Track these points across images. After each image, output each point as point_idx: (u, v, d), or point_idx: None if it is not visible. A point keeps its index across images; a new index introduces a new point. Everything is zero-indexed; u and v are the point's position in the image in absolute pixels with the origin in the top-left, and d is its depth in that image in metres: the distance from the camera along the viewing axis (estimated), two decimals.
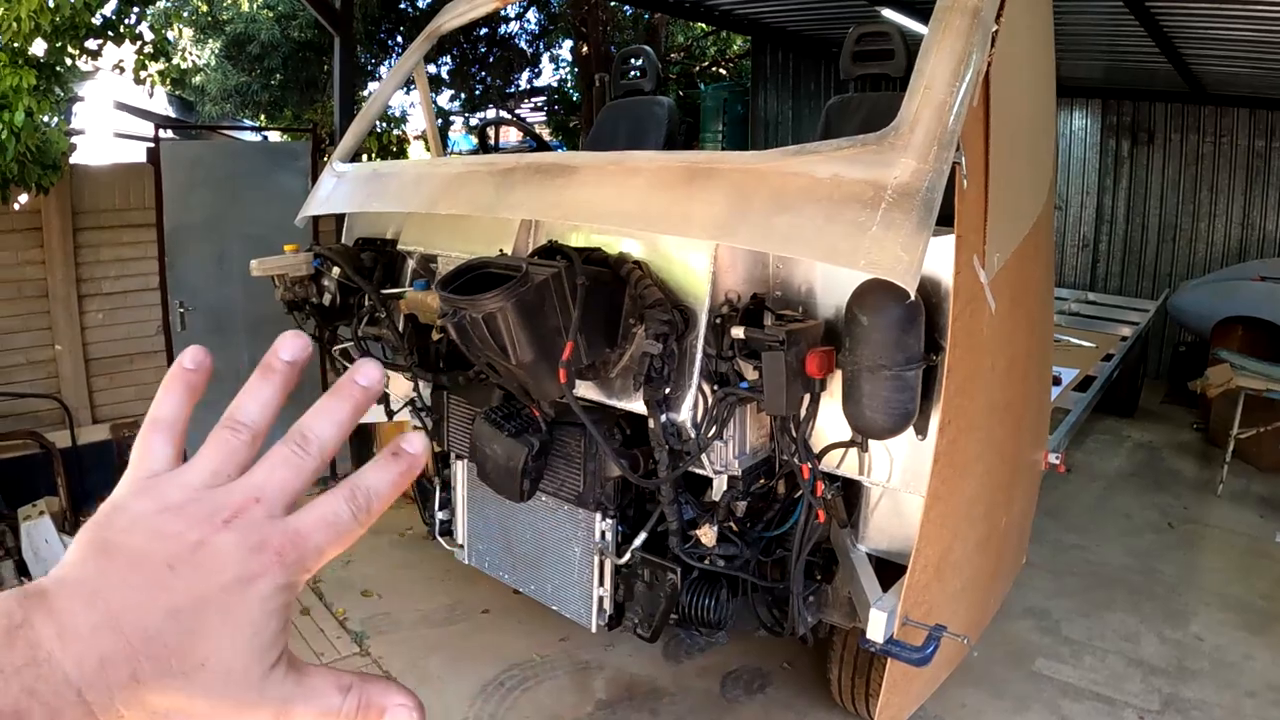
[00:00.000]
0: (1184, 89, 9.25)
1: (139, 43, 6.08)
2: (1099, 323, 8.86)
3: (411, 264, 3.70)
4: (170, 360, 4.77)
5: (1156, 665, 4.51)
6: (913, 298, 2.07)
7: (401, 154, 8.50)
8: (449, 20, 4.29)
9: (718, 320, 2.67)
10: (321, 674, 0.52)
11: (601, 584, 3.38)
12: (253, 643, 0.48)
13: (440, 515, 4.10)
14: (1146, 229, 10.50)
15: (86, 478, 5.67)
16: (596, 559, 3.35)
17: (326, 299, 3.85)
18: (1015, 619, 4.81)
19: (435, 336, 3.35)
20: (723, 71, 15.62)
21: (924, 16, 7.56)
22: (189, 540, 0.48)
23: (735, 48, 15.42)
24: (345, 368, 3.98)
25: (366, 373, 0.57)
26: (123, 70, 6.25)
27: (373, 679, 0.54)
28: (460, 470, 3.90)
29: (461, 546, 3.98)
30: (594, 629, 3.47)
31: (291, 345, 0.57)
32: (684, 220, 2.35)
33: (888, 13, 7.76)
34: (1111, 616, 4.97)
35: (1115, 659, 4.56)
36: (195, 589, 0.47)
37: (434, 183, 3.24)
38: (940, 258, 2.33)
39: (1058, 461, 4.25)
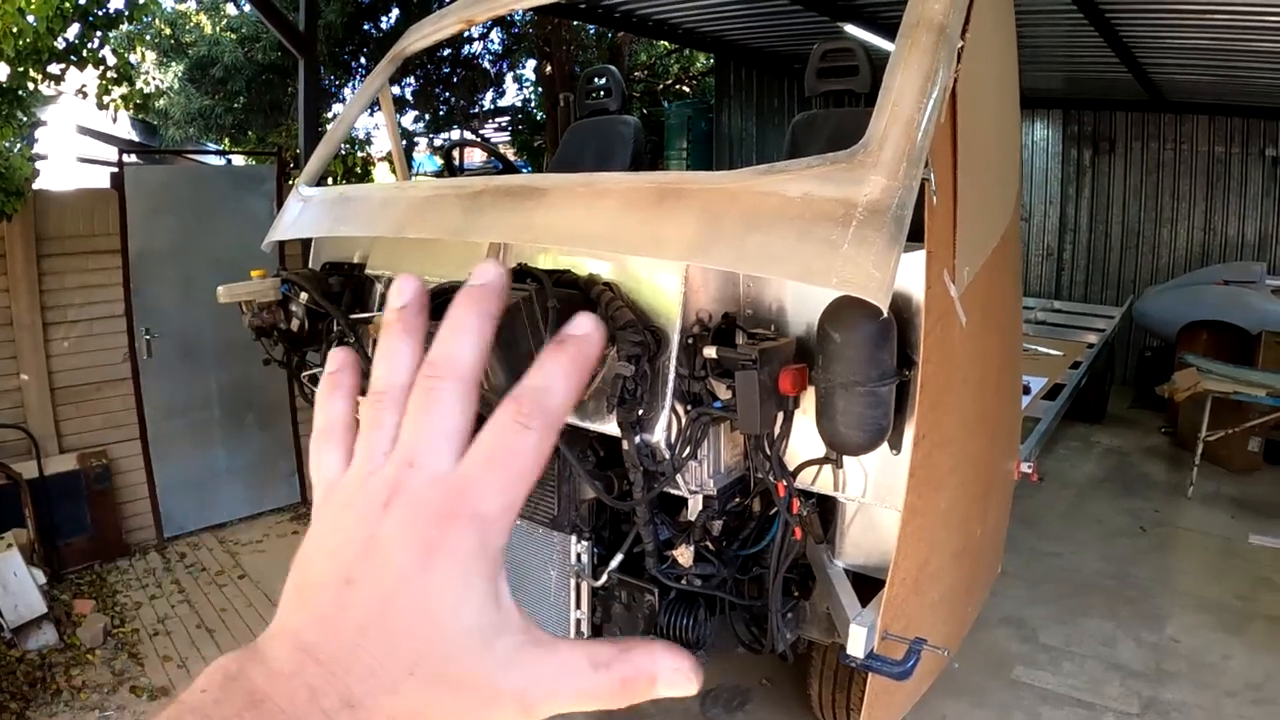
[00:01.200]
0: (1144, 97, 9.39)
1: (102, 67, 6.02)
2: (1065, 330, 8.97)
3: (380, 288, 3.68)
4: (138, 388, 4.71)
5: (1135, 669, 4.54)
6: (885, 315, 2.07)
7: (366, 176, 8.47)
8: (414, 42, 4.27)
9: (690, 340, 2.66)
10: (570, 648, 0.47)
11: (579, 606, 3.35)
12: (458, 627, 0.43)
13: None
14: (1110, 236, 10.64)
15: (54, 508, 5.58)
16: (573, 581, 3.32)
17: (294, 325, 3.81)
18: (993, 628, 4.83)
19: None
20: (686, 89, 15.69)
21: (887, 32, 7.63)
22: (357, 542, 0.45)
23: (698, 65, 15.50)
24: (314, 394, 3.97)
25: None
26: (86, 95, 6.20)
27: (635, 644, 0.48)
28: None
29: None
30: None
31: (402, 289, 0.52)
32: (656, 241, 2.34)
33: (851, 29, 7.81)
34: (1088, 622, 5.00)
35: (1093, 664, 4.59)
36: (375, 593, 0.43)
37: (401, 206, 3.22)
38: (911, 273, 2.34)
39: (1030, 471, 4.27)
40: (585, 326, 0.49)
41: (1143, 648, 4.74)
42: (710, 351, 2.55)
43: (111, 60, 6.11)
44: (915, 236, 2.16)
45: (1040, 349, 7.76)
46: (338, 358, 0.55)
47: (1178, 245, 10.20)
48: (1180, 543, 6.17)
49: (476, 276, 0.50)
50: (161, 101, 12.26)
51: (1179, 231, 10.17)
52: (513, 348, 2.47)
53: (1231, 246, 9.83)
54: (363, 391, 0.54)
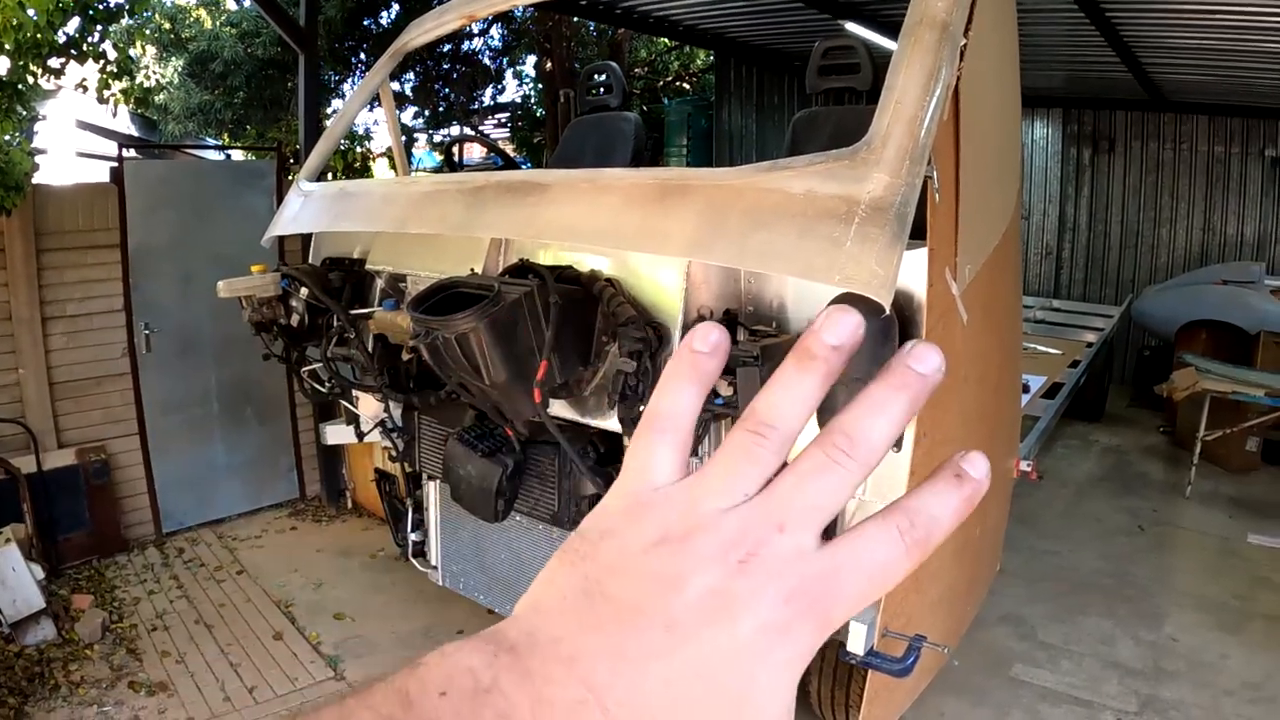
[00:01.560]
0: (1144, 97, 9.39)
1: (102, 61, 6.01)
2: (1064, 329, 8.97)
3: (380, 283, 3.68)
4: (137, 383, 4.71)
5: (1133, 667, 4.54)
6: (888, 312, 2.07)
7: (366, 172, 8.47)
8: (415, 37, 4.27)
9: None
10: None
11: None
12: (764, 716, 0.39)
13: (413, 537, 4.07)
14: (1109, 236, 10.64)
15: (53, 503, 5.57)
16: None
17: (295, 320, 3.81)
18: (991, 626, 4.83)
19: (405, 356, 3.32)
20: (686, 86, 15.66)
21: (888, 30, 7.63)
22: (694, 588, 0.39)
23: (699, 62, 15.47)
24: (315, 389, 3.94)
25: (925, 357, 0.45)
26: (86, 89, 6.18)
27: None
28: (433, 491, 3.87)
29: (435, 568, 3.95)
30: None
31: (839, 327, 0.44)
32: (659, 238, 2.34)
33: (852, 26, 7.81)
34: (1086, 620, 5.00)
35: (1092, 662, 4.59)
36: (698, 654, 0.38)
37: (403, 202, 3.22)
38: (913, 271, 2.34)
39: (1029, 469, 4.27)
40: (980, 470, 0.44)
41: (1141, 646, 4.74)
42: None
43: (112, 55, 6.10)
44: (917, 234, 2.17)
45: (1039, 348, 7.75)
46: (710, 338, 0.47)
47: (1177, 245, 10.20)
48: (1178, 542, 6.17)
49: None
50: (161, 97, 12.22)
51: (1178, 231, 10.17)
52: (513, 342, 2.48)
53: (1231, 246, 9.83)
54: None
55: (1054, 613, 5.08)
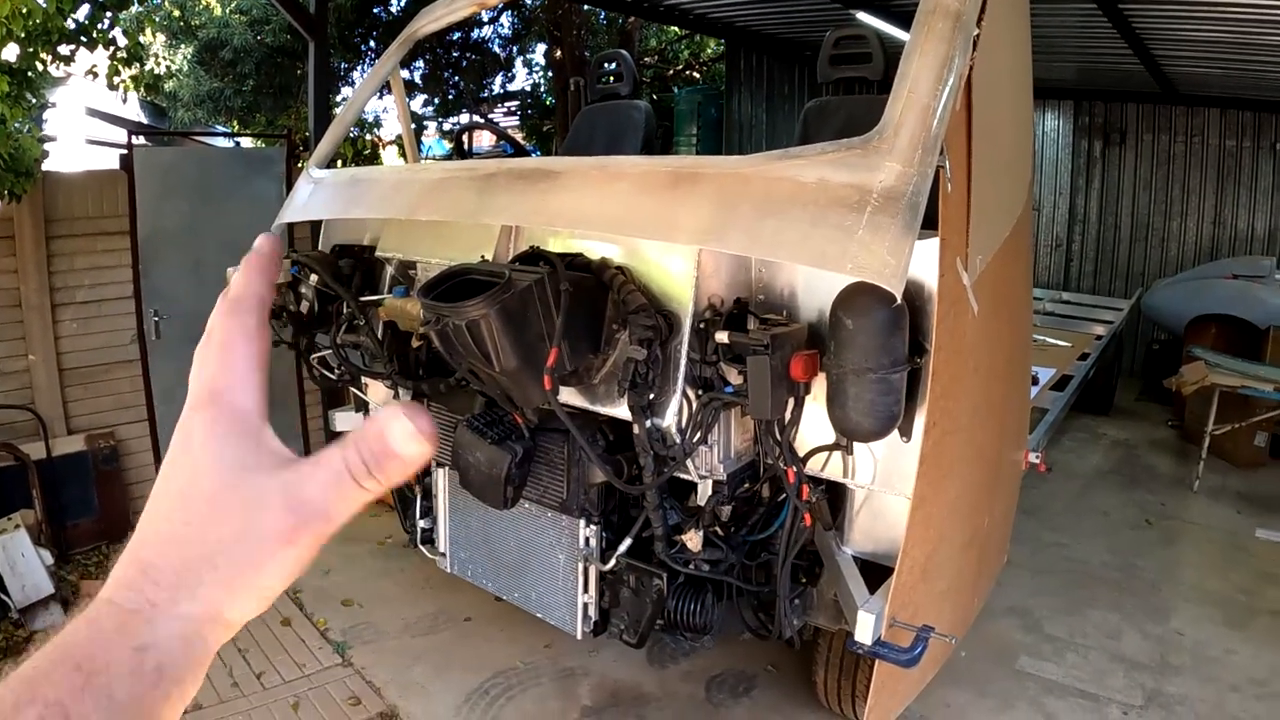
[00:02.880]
0: (1155, 90, 9.35)
1: (112, 48, 6.01)
2: (1074, 322, 8.95)
3: (390, 270, 3.68)
4: (146, 369, 4.73)
5: (1139, 661, 4.54)
6: (899, 301, 2.07)
7: (375, 159, 8.46)
8: (426, 24, 4.26)
9: (701, 325, 2.66)
10: (323, 455, 0.54)
11: (586, 590, 3.36)
12: (220, 469, 0.53)
13: (421, 523, 4.07)
14: (1119, 228, 10.62)
15: (62, 490, 5.59)
16: (581, 565, 3.33)
17: (304, 306, 3.81)
18: (998, 618, 4.83)
19: (415, 344, 3.32)
20: (696, 75, 15.63)
21: (899, 20, 7.60)
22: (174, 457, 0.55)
23: (709, 51, 15.44)
24: (324, 376, 3.94)
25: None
26: (96, 76, 6.18)
27: (370, 421, 0.54)
28: (441, 478, 3.87)
29: (444, 555, 3.95)
30: (579, 636, 3.45)
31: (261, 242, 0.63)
32: (670, 225, 2.34)
33: (863, 16, 7.79)
34: (1093, 613, 5.00)
35: (1098, 655, 4.59)
36: (164, 488, 0.53)
37: (414, 189, 3.22)
38: (924, 261, 2.34)
39: (1038, 461, 4.27)
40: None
41: (1147, 640, 4.74)
42: (722, 336, 2.55)
43: (122, 41, 6.09)
44: (928, 224, 2.16)
45: (1048, 339, 7.74)
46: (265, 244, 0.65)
47: (1187, 238, 10.18)
48: (1185, 536, 6.16)
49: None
50: (170, 84, 12.22)
51: (1189, 225, 10.15)
52: (524, 329, 2.48)
53: (1241, 240, 9.81)
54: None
55: (1060, 605, 5.07)
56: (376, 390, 4.03)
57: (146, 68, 6.45)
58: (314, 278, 3.71)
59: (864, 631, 2.66)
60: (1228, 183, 9.81)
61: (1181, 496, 6.85)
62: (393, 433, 0.52)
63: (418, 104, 13.39)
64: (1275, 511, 6.49)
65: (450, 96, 13.44)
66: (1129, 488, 7.04)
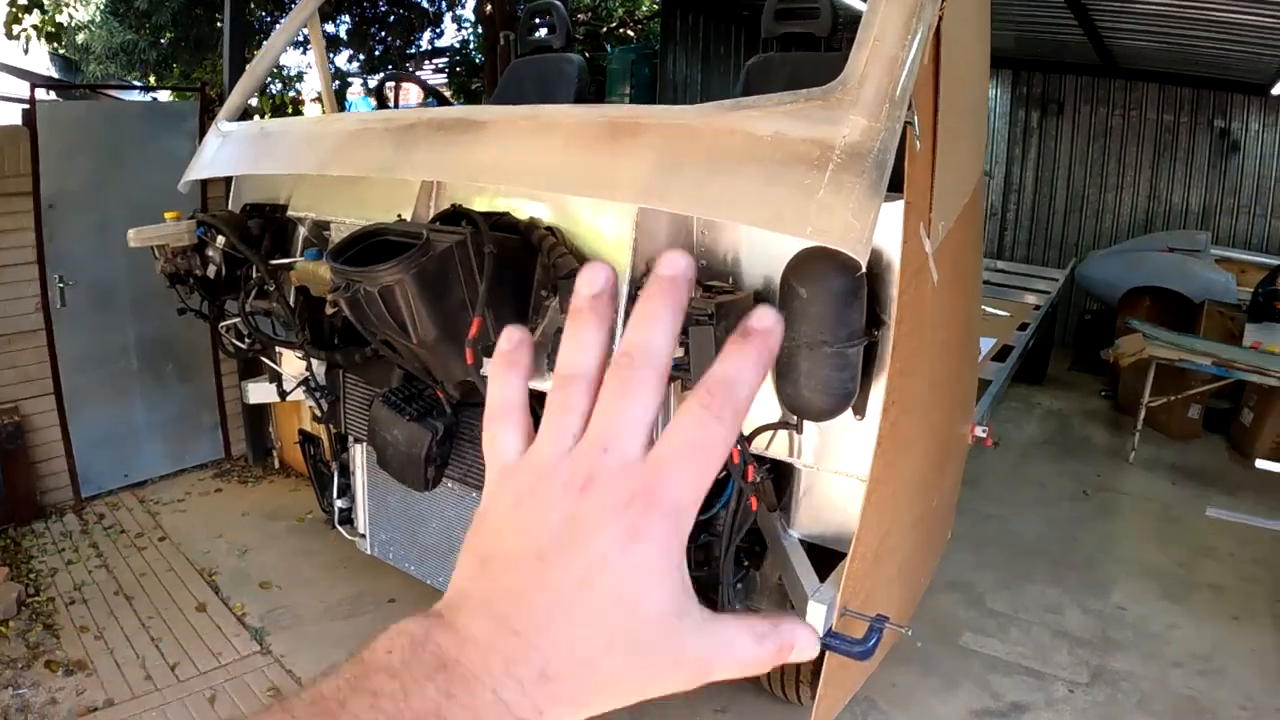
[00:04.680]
0: (1095, 62, 9.34)
1: None
2: (1010, 291, 8.91)
3: (303, 231, 3.41)
4: (51, 340, 4.39)
5: (1082, 637, 4.50)
6: (863, 269, 1.87)
7: (297, 115, 8.10)
8: None
9: (639, 291, 2.45)
10: (734, 625, 0.49)
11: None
12: (654, 608, 0.45)
13: (339, 503, 3.83)
14: (1054, 199, 10.67)
15: None
16: None
17: (211, 270, 3.54)
18: (940, 592, 4.73)
19: (329, 311, 3.07)
20: (630, 34, 15.34)
21: None
22: (552, 522, 0.46)
23: (644, 9, 15.16)
24: (235, 346, 3.67)
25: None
26: None
27: (781, 619, 0.51)
28: (359, 454, 3.63)
29: (363, 536, 3.72)
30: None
31: (594, 275, 0.51)
32: (608, 182, 2.11)
33: None
34: (1034, 588, 4.95)
35: (1040, 631, 4.53)
36: (571, 570, 0.45)
37: (326, 142, 2.95)
38: (886, 225, 2.14)
39: (984, 434, 4.15)
40: (768, 321, 0.49)
41: (1089, 615, 4.69)
42: None
43: None
44: (893, 186, 1.97)
45: (989, 309, 7.67)
46: (513, 336, 0.54)
47: (1122, 211, 10.23)
48: (1122, 508, 6.15)
49: (666, 266, 0.50)
50: (82, 36, 11.64)
51: (1124, 198, 10.19)
52: (445, 297, 2.24)
53: (1176, 215, 9.88)
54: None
55: (1001, 579, 5.01)
56: (291, 361, 3.77)
57: (48, 15, 6.04)
58: (221, 240, 3.43)
59: (815, 623, 2.49)
60: (1164, 157, 9.86)
61: (1117, 468, 6.85)
62: (800, 636, 0.51)
63: (343, 60, 12.92)
64: (1210, 484, 6.52)
65: (376, 53, 12.98)
66: (1065, 458, 7.03)
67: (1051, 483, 6.52)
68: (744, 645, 0.49)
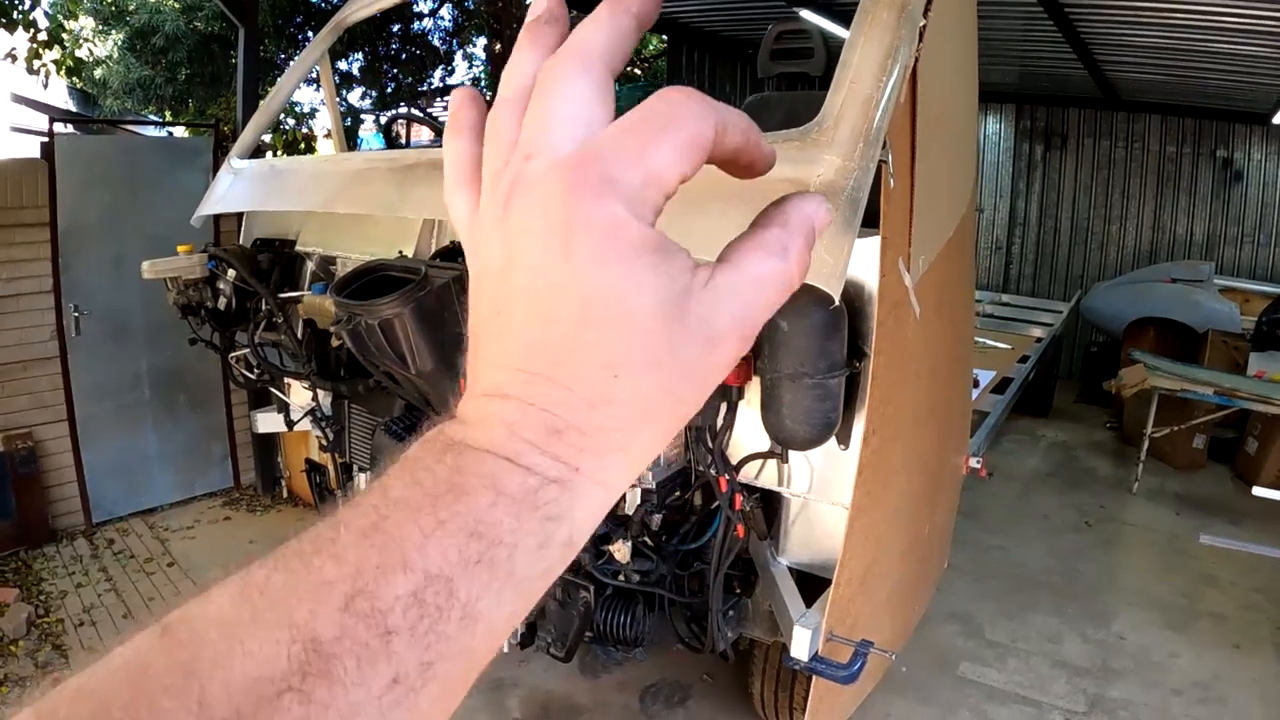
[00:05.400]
0: (1097, 95, 9.41)
1: (33, 30, 5.76)
2: (1013, 324, 8.97)
3: (311, 266, 3.51)
4: (65, 367, 4.50)
5: (1081, 666, 4.51)
6: (837, 303, 1.95)
7: (310, 151, 8.24)
8: (355, 11, 4.09)
9: None
10: (750, 256, 0.43)
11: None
12: (635, 302, 0.38)
13: None
14: (1059, 232, 10.70)
15: None
16: None
17: (222, 303, 3.64)
18: (939, 623, 4.76)
19: (334, 343, 3.16)
20: (638, 72, 15.52)
21: (842, 20, 7.53)
22: (494, 261, 0.41)
23: (650, 48, 15.34)
24: (244, 377, 3.76)
25: None
26: (15, 59, 5.92)
27: (782, 210, 0.46)
28: (363, 482, 3.71)
29: None
30: (504, 648, 3.31)
31: (536, 3, 0.47)
32: None
33: (806, 14, 7.71)
34: (1034, 618, 4.96)
35: (1039, 661, 4.55)
36: (524, 307, 0.39)
37: (333, 180, 3.05)
38: (864, 260, 2.23)
39: (979, 465, 4.21)
40: None
41: (1089, 644, 4.71)
42: None
43: (43, 24, 5.84)
44: (869, 222, 2.05)
45: (989, 342, 7.73)
46: (457, 96, 0.49)
47: (1126, 242, 10.27)
48: (1126, 539, 6.17)
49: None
50: (100, 71, 11.85)
51: (1128, 229, 10.23)
52: (441, 329, 2.33)
53: (1180, 245, 9.91)
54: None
55: (1001, 610, 5.03)
56: (298, 391, 3.86)
57: (68, 50, 6.20)
58: (231, 273, 3.54)
59: (800, 647, 2.55)
60: (1167, 188, 9.90)
61: (1121, 499, 6.87)
62: (817, 216, 0.46)
63: (355, 97, 13.12)
64: (1214, 514, 6.53)
65: (388, 90, 13.18)
66: (1068, 490, 7.05)
67: (1054, 514, 6.53)
68: (772, 272, 0.43)
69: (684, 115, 0.41)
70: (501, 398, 0.39)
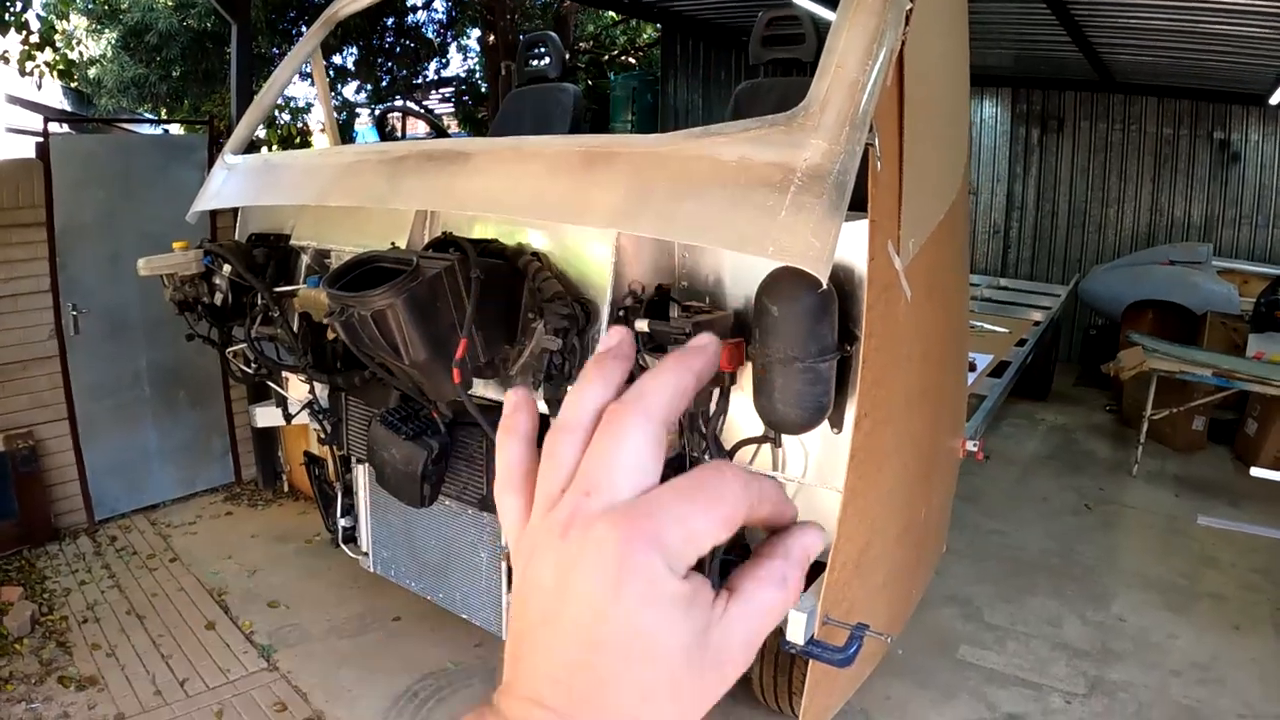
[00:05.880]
0: (1093, 78, 9.39)
1: (24, 32, 5.75)
2: (1011, 308, 8.97)
3: (305, 259, 3.52)
4: (65, 366, 4.51)
5: (1080, 648, 4.52)
6: (825, 286, 1.96)
7: (305, 146, 8.23)
8: (346, 5, 4.09)
9: (621, 313, 2.54)
10: (756, 588, 0.47)
11: (510, 589, 3.24)
12: (667, 643, 0.43)
13: (343, 522, 3.92)
14: (1056, 215, 10.70)
15: None
16: (504, 564, 3.21)
17: (218, 298, 3.65)
18: (937, 607, 4.78)
19: (330, 335, 3.17)
20: (632, 61, 15.52)
21: (833, 4, 7.51)
22: (546, 580, 0.45)
23: (645, 36, 15.33)
24: (243, 371, 3.77)
25: (702, 340, 0.51)
26: (7, 60, 5.92)
27: (781, 542, 0.49)
28: (361, 475, 3.73)
29: (366, 554, 3.81)
30: (505, 636, 3.32)
31: (611, 335, 0.52)
32: (582, 208, 2.21)
33: (799, 1, 7.69)
34: (1033, 601, 4.98)
35: (1039, 643, 4.56)
36: (574, 629, 0.43)
37: (325, 174, 3.06)
38: (853, 244, 2.23)
39: (975, 449, 4.21)
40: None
41: (1088, 627, 4.72)
42: (642, 325, 2.42)
43: (35, 25, 5.83)
44: (858, 205, 2.06)
45: (986, 326, 7.73)
46: (512, 399, 0.54)
47: (1124, 225, 10.26)
48: (1125, 521, 6.18)
49: (691, 343, 0.51)
50: (94, 70, 11.82)
51: (1126, 211, 10.23)
52: (433, 320, 2.34)
53: (1178, 228, 9.90)
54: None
55: (1000, 593, 5.04)
56: (296, 384, 3.87)
57: (60, 51, 6.19)
58: (227, 268, 3.54)
59: (796, 631, 2.56)
60: (1164, 170, 9.89)
61: (1120, 481, 6.88)
62: (811, 546, 0.50)
63: (350, 91, 13.08)
64: (1213, 495, 6.54)
65: (383, 83, 13.16)
66: (1068, 473, 7.06)
67: (1054, 497, 6.54)
68: (774, 601, 0.47)
69: (726, 494, 0.46)
70: (545, 709, 0.43)
